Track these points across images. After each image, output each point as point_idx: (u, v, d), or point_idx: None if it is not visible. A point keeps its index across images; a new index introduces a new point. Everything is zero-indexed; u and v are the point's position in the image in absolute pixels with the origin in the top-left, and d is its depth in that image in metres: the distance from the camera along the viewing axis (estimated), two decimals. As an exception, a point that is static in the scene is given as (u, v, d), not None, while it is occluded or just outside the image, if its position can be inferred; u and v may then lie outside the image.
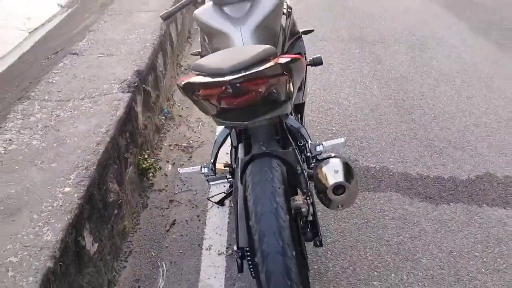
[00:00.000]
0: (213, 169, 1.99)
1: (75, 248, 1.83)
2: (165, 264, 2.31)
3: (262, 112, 1.69)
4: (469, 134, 3.18)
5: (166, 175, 2.95)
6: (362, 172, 2.84)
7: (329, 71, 4.10)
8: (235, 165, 2.04)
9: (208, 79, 1.54)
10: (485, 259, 2.25)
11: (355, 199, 1.75)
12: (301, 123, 2.42)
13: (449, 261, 2.24)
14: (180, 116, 3.60)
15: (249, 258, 1.70)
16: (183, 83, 1.62)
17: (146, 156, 2.87)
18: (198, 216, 2.61)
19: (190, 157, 3.11)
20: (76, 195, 1.91)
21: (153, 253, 2.38)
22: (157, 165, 2.97)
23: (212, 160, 2.01)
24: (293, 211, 1.64)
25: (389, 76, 3.98)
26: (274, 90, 1.63)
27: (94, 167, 2.10)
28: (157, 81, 3.41)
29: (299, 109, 2.52)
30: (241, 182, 1.74)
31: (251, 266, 1.70)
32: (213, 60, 1.63)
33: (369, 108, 3.53)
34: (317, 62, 2.36)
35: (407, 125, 3.30)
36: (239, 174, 1.75)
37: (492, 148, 3.03)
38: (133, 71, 2.97)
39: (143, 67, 3.08)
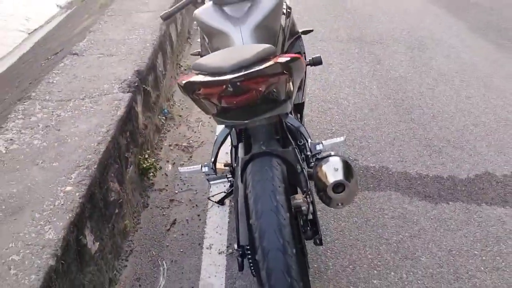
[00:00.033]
0: (214, 168, 2.01)
1: (77, 247, 1.84)
2: (166, 263, 2.32)
3: (262, 111, 1.70)
4: (468, 133, 3.20)
5: (167, 175, 2.96)
6: (361, 171, 2.85)
7: (328, 71, 4.12)
8: (235, 165, 2.05)
9: (208, 78, 1.55)
10: (484, 258, 2.26)
11: (354, 197, 1.77)
12: (301, 123, 2.43)
13: (448, 260, 2.25)
14: (180, 116, 3.61)
15: (249, 256, 1.71)
16: (183, 82, 1.63)
17: (146, 156, 2.88)
18: (198, 215, 2.62)
19: (190, 157, 3.12)
20: (77, 194, 1.93)
21: (154, 252, 2.39)
22: (158, 164, 2.98)
23: (212, 159, 2.02)
24: (293, 210, 1.66)
25: (388, 76, 4.00)
26: (274, 89, 1.64)
27: (95, 166, 2.11)
28: (157, 81, 3.42)
29: (298, 108, 2.53)
30: (242, 181, 1.75)
31: (251, 264, 1.71)
32: (213, 59, 1.64)
33: (369, 107, 3.54)
34: (316, 62, 2.37)
35: (406, 124, 3.31)
36: (239, 173, 1.76)
37: (491, 148, 3.04)
38: (133, 71, 2.98)
39: (143, 67, 3.09)
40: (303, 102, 2.53)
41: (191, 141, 3.28)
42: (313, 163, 1.88)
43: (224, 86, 1.52)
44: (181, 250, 2.40)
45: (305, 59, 2.38)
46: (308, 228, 1.80)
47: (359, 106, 3.57)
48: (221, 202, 2.64)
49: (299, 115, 2.56)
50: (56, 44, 4.71)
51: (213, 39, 2.10)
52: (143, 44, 3.44)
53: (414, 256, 2.28)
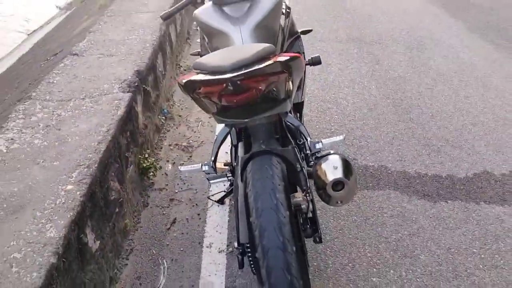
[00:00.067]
0: (214, 167, 2.02)
1: (78, 245, 1.85)
2: (166, 261, 2.33)
3: (262, 110, 1.71)
4: (466, 133, 3.21)
5: (167, 174, 2.97)
6: (361, 170, 2.87)
7: (327, 71, 4.13)
8: (235, 164, 2.06)
9: (209, 77, 1.56)
10: (483, 256, 2.27)
11: (354, 195, 1.78)
12: (300, 122, 2.44)
13: (447, 258, 2.26)
14: (180, 116, 3.62)
15: (249, 254, 1.72)
16: (184, 81, 1.64)
17: (146, 156, 2.89)
18: (198, 214, 2.63)
19: (190, 156, 3.13)
20: (78, 192, 1.94)
21: (154, 251, 2.40)
22: (158, 164, 2.99)
23: (212, 158, 2.04)
24: (293, 208, 1.67)
25: (387, 76, 4.01)
26: (274, 88, 1.65)
27: (96, 165, 2.12)
28: (157, 81, 3.43)
29: (298, 108, 2.55)
30: (242, 180, 1.76)
31: (251, 262, 1.72)
32: (213, 58, 1.65)
33: (368, 107, 3.56)
34: (316, 62, 2.38)
35: (405, 124, 3.32)
36: (239, 172, 1.77)
37: (489, 147, 3.05)
38: (133, 71, 3.00)
39: (143, 67, 3.10)
40: (303, 102, 2.55)
41: (191, 141, 3.29)
42: (312, 162, 1.89)
43: (225, 85, 1.53)
44: (181, 249, 2.41)
45: (305, 58, 2.40)
46: (308, 226, 1.81)
47: (358, 106, 3.59)
48: (221, 201, 2.66)
49: (298, 114, 2.58)
50: (56, 45, 4.72)
51: (213, 39, 2.11)
52: (143, 45, 3.45)
53: (413, 254, 2.29)
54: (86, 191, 1.97)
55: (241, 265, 1.80)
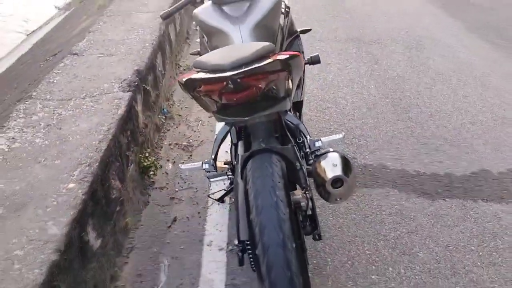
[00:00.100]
0: (214, 165, 2.04)
1: (79, 243, 1.86)
2: (167, 259, 2.35)
3: (262, 108, 1.72)
4: (465, 132, 3.23)
5: (167, 173, 2.98)
6: (360, 169, 2.88)
7: (326, 71, 4.15)
8: (235, 162, 2.08)
9: (209, 75, 1.57)
10: (481, 253, 2.29)
11: (353, 192, 1.80)
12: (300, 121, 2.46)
13: (445, 255, 2.28)
14: (180, 115, 3.63)
15: (249, 251, 1.74)
16: (184, 79, 1.65)
17: (146, 155, 2.91)
18: (199, 213, 2.65)
19: (190, 155, 3.14)
20: (80, 191, 1.95)
21: (155, 249, 2.41)
22: (158, 163, 3.00)
23: (212, 157, 2.05)
24: (292, 205, 1.68)
25: (386, 76, 4.03)
26: (273, 86, 1.67)
27: (97, 164, 2.13)
28: (157, 80, 3.45)
29: (297, 107, 2.56)
30: (241, 178, 1.77)
31: (251, 259, 1.74)
32: (214, 57, 1.67)
33: (367, 107, 3.57)
34: (315, 61, 2.40)
35: (404, 123, 3.34)
36: (239, 170, 1.79)
37: (487, 145, 3.07)
38: (133, 71, 3.01)
39: (143, 66, 3.12)
40: (302, 101, 2.56)
41: (190, 140, 3.31)
42: (312, 160, 1.90)
43: (225, 83, 1.55)
44: (182, 247, 2.42)
45: (304, 58, 2.41)
46: (308, 223, 1.82)
47: (357, 105, 3.60)
48: (221, 199, 2.67)
49: (298, 113, 2.59)
50: (55, 46, 4.73)
51: (212, 38, 2.12)
52: (143, 44, 3.47)
53: (411, 251, 2.30)
54: (88, 189, 1.98)
55: (241, 263, 1.82)
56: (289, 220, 1.52)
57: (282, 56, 1.62)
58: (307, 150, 1.99)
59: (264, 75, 1.59)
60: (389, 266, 2.23)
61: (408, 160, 2.95)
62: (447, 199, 2.63)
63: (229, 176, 2.25)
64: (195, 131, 3.42)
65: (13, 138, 2.35)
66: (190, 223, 2.59)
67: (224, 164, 2.31)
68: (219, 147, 2.06)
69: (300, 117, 2.62)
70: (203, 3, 2.29)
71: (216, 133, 2.23)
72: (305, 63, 2.33)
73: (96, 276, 1.98)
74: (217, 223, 2.56)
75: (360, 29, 5.08)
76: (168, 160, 3.10)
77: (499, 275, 2.16)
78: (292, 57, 1.64)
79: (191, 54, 2.74)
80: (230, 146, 2.34)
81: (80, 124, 2.45)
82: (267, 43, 1.69)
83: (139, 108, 2.90)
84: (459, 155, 2.98)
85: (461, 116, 3.41)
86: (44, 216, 1.82)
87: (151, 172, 2.90)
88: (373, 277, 2.18)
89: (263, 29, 2.06)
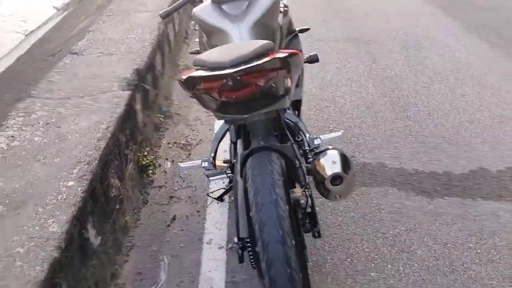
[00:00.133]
0: (213, 163, 2.04)
1: (79, 241, 1.87)
2: (166, 258, 2.35)
3: (261, 106, 1.72)
4: (463, 130, 3.24)
5: (166, 172, 2.99)
6: (359, 168, 2.89)
7: (325, 70, 4.16)
8: (234, 160, 2.09)
9: (209, 73, 1.58)
10: (479, 251, 2.30)
11: (352, 189, 1.81)
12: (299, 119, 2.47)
13: (444, 253, 2.29)
14: (179, 114, 3.64)
15: (249, 249, 1.74)
16: (184, 77, 1.66)
17: (145, 153, 2.91)
18: (198, 211, 2.65)
19: (189, 154, 3.15)
20: (79, 188, 1.96)
21: (154, 247, 2.42)
22: (157, 162, 3.01)
23: (212, 155, 2.06)
24: (292, 203, 1.69)
25: (384, 75, 4.04)
26: (273, 84, 1.67)
27: (96, 162, 2.14)
28: (156, 80, 3.46)
29: (296, 105, 2.57)
30: (241, 176, 1.77)
31: (251, 257, 1.75)
32: (213, 55, 1.67)
33: (365, 106, 3.59)
34: (313, 59, 2.40)
35: (402, 122, 3.36)
36: (239, 168, 1.79)
37: (485, 144, 3.09)
38: (132, 70, 3.02)
39: (142, 66, 3.13)
40: (301, 99, 2.57)
41: (189, 139, 3.31)
42: (311, 158, 1.91)
43: (225, 80, 1.55)
44: (182, 245, 2.43)
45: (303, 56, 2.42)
46: (307, 221, 1.83)
47: (356, 104, 3.62)
48: (220, 198, 2.67)
49: (297, 112, 2.60)
50: (54, 46, 4.73)
51: (211, 36, 2.13)
52: (142, 44, 3.47)
53: (410, 249, 2.31)
54: (87, 187, 1.99)
55: (241, 260, 1.83)
56: (288, 217, 1.52)
57: (282, 54, 1.62)
58: (306, 148, 2.01)
59: (263, 73, 1.59)
60: (388, 264, 2.24)
61: (407, 159, 2.96)
62: (445, 197, 2.64)
63: (228, 175, 2.26)
64: (194, 130, 3.42)
65: (12, 136, 2.35)
66: (190, 221, 2.59)
67: (223, 162, 2.32)
68: (218, 145, 2.07)
69: (299, 115, 2.63)
70: (202, 2, 2.29)
71: (215, 131, 2.24)
72: (304, 62, 2.34)
73: (96, 273, 1.99)
74: (216, 222, 2.57)
75: (359, 28, 5.09)
76: (167, 159, 3.11)
77: (497, 272, 2.18)
78: (291, 55, 1.64)
79: (190, 53, 2.75)
80: (229, 145, 2.35)
81: (80, 122, 2.45)
82: (267, 41, 1.70)
83: (138, 107, 2.90)
84: (457, 154, 3.00)
85: (459, 115, 3.43)
86: (44, 213, 1.83)
87: (150, 171, 2.91)
88: (372, 274, 2.19)
89: (262, 28, 2.07)
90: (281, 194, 1.55)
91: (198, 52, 2.45)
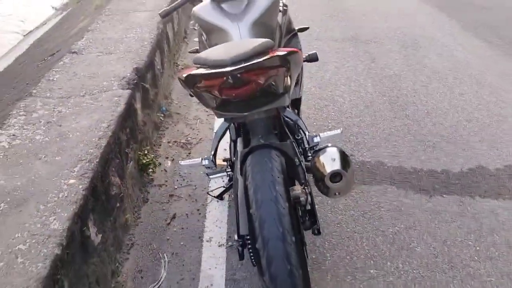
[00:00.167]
0: (214, 161, 2.05)
1: (81, 238, 1.88)
2: (166, 255, 2.36)
3: (261, 104, 1.74)
4: (461, 129, 3.26)
5: (166, 171, 3.00)
6: (358, 166, 2.90)
7: (324, 69, 4.17)
8: (234, 159, 2.10)
9: (209, 70, 1.59)
10: (478, 248, 2.31)
11: (351, 186, 1.82)
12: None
13: (443, 250, 2.30)
14: (178, 113, 3.65)
15: (249, 246, 1.76)
16: (184, 75, 1.67)
17: (145, 152, 2.92)
18: (198, 210, 2.66)
19: (189, 153, 3.16)
20: (80, 186, 1.96)
21: (154, 245, 2.43)
22: (157, 161, 3.02)
23: (212, 153, 2.07)
24: (292, 200, 1.70)
25: (383, 74, 4.06)
26: (272, 82, 1.68)
27: (97, 160, 2.15)
28: (155, 79, 3.46)
29: (296, 104, 2.58)
30: (241, 174, 1.78)
31: (251, 254, 1.76)
32: (214, 53, 1.68)
33: (364, 105, 3.60)
34: (312, 58, 2.41)
35: (401, 121, 3.37)
36: (239, 166, 1.80)
37: (484, 142, 3.10)
38: (132, 69, 3.03)
39: (142, 65, 3.13)
40: (300, 98, 2.58)
41: (189, 138, 3.32)
42: (310, 156, 1.92)
43: (225, 78, 1.56)
44: (182, 243, 2.44)
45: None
46: (307, 218, 1.85)
47: (355, 103, 3.63)
48: (220, 197, 2.69)
49: (296, 110, 2.61)
50: (53, 46, 4.73)
51: (211, 35, 2.14)
52: (141, 43, 3.48)
53: (409, 246, 2.33)
54: (88, 185, 2.00)
55: (241, 257, 1.84)
56: (288, 214, 1.53)
57: (281, 52, 1.63)
58: (306, 146, 2.02)
59: (263, 71, 1.60)
60: (387, 261, 2.25)
61: (406, 157, 2.98)
62: (444, 195, 2.66)
63: (228, 173, 2.27)
64: (193, 129, 3.43)
65: (13, 135, 2.36)
66: (190, 220, 2.60)
67: (223, 161, 2.33)
68: (218, 143, 2.07)
69: (298, 114, 2.64)
70: (202, 1, 2.30)
71: (215, 130, 2.25)
72: (303, 61, 2.35)
73: (97, 271, 2.00)
74: (216, 220, 2.58)
75: (357, 28, 5.11)
76: (167, 158, 3.12)
77: (496, 269, 2.19)
78: (291, 53, 1.66)
79: (189, 52, 2.75)
80: (228, 143, 2.36)
81: (80, 121, 2.46)
82: (266, 40, 1.71)
83: (138, 105, 2.91)
84: (456, 152, 3.01)
85: (457, 113, 3.44)
86: (46, 211, 1.84)
87: (150, 170, 2.91)
88: (371, 271, 2.20)
89: (262, 27, 2.08)
90: (281, 191, 1.56)
91: (197, 51, 2.46)
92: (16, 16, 7.19)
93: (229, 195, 2.70)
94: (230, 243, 2.40)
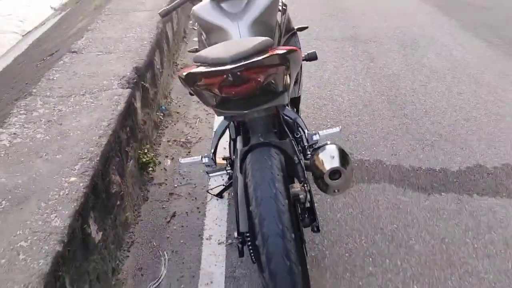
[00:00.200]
0: (214, 159, 2.07)
1: (81, 235, 1.89)
2: (166, 253, 2.38)
3: (261, 102, 1.75)
4: (459, 128, 3.28)
5: (166, 170, 3.01)
6: (356, 165, 2.92)
7: (323, 69, 4.19)
8: (234, 157, 2.11)
9: (209, 69, 1.60)
10: (476, 245, 2.33)
11: (350, 184, 1.84)
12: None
13: (441, 248, 2.32)
14: (178, 113, 3.66)
15: (249, 243, 1.77)
16: (184, 74, 1.68)
17: (145, 151, 2.94)
18: (198, 208, 2.68)
19: (189, 152, 3.17)
20: (81, 184, 1.98)
21: (154, 243, 2.44)
22: (157, 159, 3.03)
23: (212, 151, 2.08)
24: (291, 198, 1.72)
25: (382, 73, 4.07)
26: (272, 81, 1.69)
27: (98, 158, 2.16)
28: (155, 78, 3.48)
29: (295, 103, 2.60)
30: (241, 172, 1.80)
31: (251, 251, 1.77)
32: (214, 51, 1.70)
33: (363, 104, 3.62)
34: (312, 57, 2.43)
35: (399, 120, 3.39)
36: (239, 164, 1.82)
37: (482, 141, 3.12)
38: (131, 68, 3.04)
39: (141, 64, 3.15)
40: (299, 96, 2.59)
41: (189, 137, 3.33)
42: (309, 154, 1.94)
43: (225, 76, 1.58)
44: (182, 241, 2.46)
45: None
46: (306, 216, 1.86)
47: (354, 102, 3.64)
48: (219, 195, 2.71)
49: (295, 109, 2.63)
50: (52, 45, 4.74)
51: (211, 34, 2.15)
52: (141, 42, 3.50)
53: (408, 244, 2.34)
54: (89, 183, 2.01)
55: (241, 254, 1.86)
56: (288, 211, 1.55)
57: (281, 50, 1.65)
58: (305, 144, 2.03)
59: (263, 69, 1.62)
60: (386, 258, 2.26)
61: (404, 156, 3.00)
62: (442, 193, 2.67)
63: (228, 171, 2.28)
64: (193, 128, 3.45)
65: (14, 133, 2.37)
66: (189, 218, 2.62)
67: (223, 159, 2.35)
68: (218, 141, 2.09)
69: (297, 113, 2.65)
70: (202, 0, 2.32)
71: (214, 129, 2.26)
72: (303, 60, 2.36)
73: (98, 268, 2.01)
74: (216, 218, 2.59)
75: (356, 27, 5.12)
76: (166, 157, 3.13)
77: (494, 266, 2.21)
78: (290, 51, 1.67)
79: (189, 51, 2.77)
80: (228, 142, 2.37)
81: (81, 120, 2.47)
82: (266, 38, 1.72)
83: (138, 104, 2.93)
84: (454, 151, 3.03)
85: (456, 112, 3.46)
86: (47, 208, 1.85)
87: (150, 168, 2.93)
88: (370, 268, 2.22)
89: (261, 26, 2.09)
90: (280, 188, 1.58)
91: (196, 51, 2.47)
92: (16, 16, 7.19)
93: (229, 194, 2.71)
94: (229, 241, 2.42)
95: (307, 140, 1.99)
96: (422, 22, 5.25)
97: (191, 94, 1.91)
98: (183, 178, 2.91)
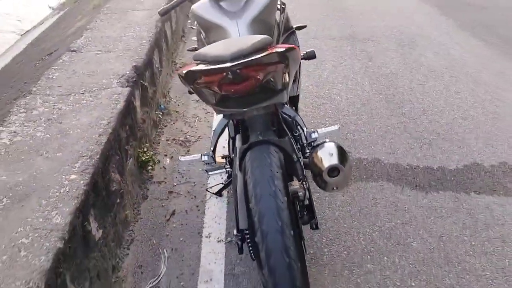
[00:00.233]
0: (213, 157, 2.08)
1: (82, 232, 1.90)
2: (166, 251, 2.39)
3: (260, 100, 1.76)
4: (457, 126, 3.29)
5: (165, 168, 3.02)
6: (355, 163, 2.93)
7: (321, 68, 4.20)
8: (233, 155, 2.12)
9: (209, 67, 1.62)
10: (473, 243, 2.35)
11: (349, 181, 1.85)
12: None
13: (438, 245, 2.34)
14: (177, 112, 3.67)
15: (249, 240, 1.78)
16: (184, 72, 1.69)
17: (145, 150, 2.95)
18: (197, 206, 2.69)
19: (188, 151, 3.19)
20: (81, 182, 1.99)
21: (154, 241, 2.46)
22: (156, 158, 3.04)
23: (211, 149, 2.09)
24: (290, 195, 1.73)
25: (380, 72, 4.09)
26: (271, 79, 1.71)
27: (98, 156, 2.17)
28: (154, 77, 3.49)
29: (293, 101, 2.61)
30: (240, 170, 1.81)
31: (251, 248, 1.78)
32: (213, 49, 1.71)
33: (361, 103, 3.63)
34: (310, 56, 2.44)
35: (397, 118, 3.40)
36: (238, 162, 1.83)
37: (479, 140, 3.14)
38: (131, 67, 3.05)
39: (140, 63, 3.16)
40: (298, 95, 2.61)
41: (188, 136, 3.35)
42: (308, 152, 1.95)
43: (224, 74, 1.59)
44: (181, 238, 2.47)
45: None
46: (305, 213, 1.88)
47: (352, 101, 3.66)
48: (219, 193, 2.72)
49: (294, 107, 2.64)
50: (50, 45, 4.74)
51: (210, 33, 2.16)
52: (140, 41, 3.51)
53: (406, 242, 2.36)
54: (89, 180, 2.02)
55: (240, 251, 1.87)
56: (287, 208, 1.56)
57: (280, 48, 1.66)
58: (304, 142, 2.05)
59: (262, 67, 1.63)
60: (384, 256, 2.28)
61: (402, 154, 3.01)
62: (440, 192, 2.69)
63: (227, 169, 2.30)
64: (192, 127, 3.46)
65: (14, 132, 2.38)
66: (189, 216, 2.63)
67: (222, 158, 2.36)
68: (217, 139, 2.10)
69: (296, 111, 2.67)
70: (200, -1, 2.33)
71: (213, 129, 2.27)
72: (301, 58, 2.38)
73: (98, 265, 2.02)
74: (215, 216, 2.61)
75: (354, 27, 5.14)
76: (166, 155, 3.14)
77: (491, 264, 2.23)
78: (289, 49, 1.68)
79: (188, 50, 2.78)
80: (227, 140, 2.39)
81: (80, 118, 2.49)
82: (265, 36, 1.73)
83: (137, 103, 2.94)
84: (451, 149, 3.05)
85: (453, 111, 3.48)
86: (48, 206, 1.86)
87: (149, 167, 2.94)
88: (368, 266, 2.23)
89: (260, 24, 2.10)
90: (279, 186, 1.59)
91: (195, 49, 2.48)
92: (15, 16, 7.19)
93: (228, 192, 2.73)
94: (229, 239, 2.43)
95: (305, 138, 2.01)
96: (421, 22, 5.27)
97: (190, 93, 1.92)
98: (183, 177, 2.93)
